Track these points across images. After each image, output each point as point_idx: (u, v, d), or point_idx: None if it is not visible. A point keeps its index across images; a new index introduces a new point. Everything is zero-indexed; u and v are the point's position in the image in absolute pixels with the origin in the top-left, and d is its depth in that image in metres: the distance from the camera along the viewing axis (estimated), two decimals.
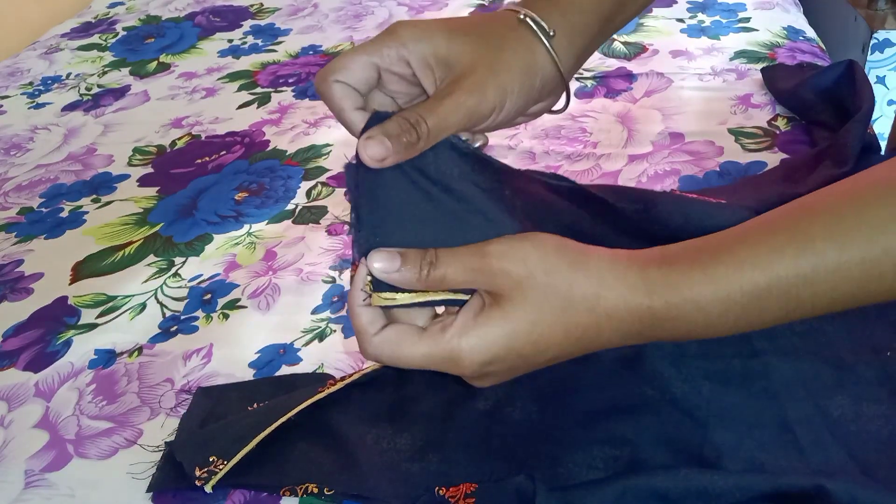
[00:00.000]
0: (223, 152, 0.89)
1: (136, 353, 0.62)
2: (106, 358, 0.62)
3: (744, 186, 0.69)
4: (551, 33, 0.41)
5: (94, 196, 0.84)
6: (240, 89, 1.05)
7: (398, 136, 0.38)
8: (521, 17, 0.41)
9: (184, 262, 0.72)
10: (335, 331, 0.61)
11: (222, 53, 1.17)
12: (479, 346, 0.37)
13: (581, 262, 0.37)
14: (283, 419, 0.49)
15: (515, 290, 0.36)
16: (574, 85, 0.93)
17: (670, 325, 0.36)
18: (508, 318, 0.37)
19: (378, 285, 0.38)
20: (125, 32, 1.30)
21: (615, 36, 1.05)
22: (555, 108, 0.45)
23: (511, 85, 0.40)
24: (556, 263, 0.37)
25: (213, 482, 0.48)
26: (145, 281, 0.70)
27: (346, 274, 0.67)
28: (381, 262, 0.38)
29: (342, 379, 0.52)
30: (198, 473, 0.48)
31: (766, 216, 0.37)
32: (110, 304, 0.68)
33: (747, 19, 1.05)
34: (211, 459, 0.48)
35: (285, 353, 0.60)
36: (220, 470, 0.48)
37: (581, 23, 0.43)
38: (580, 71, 0.96)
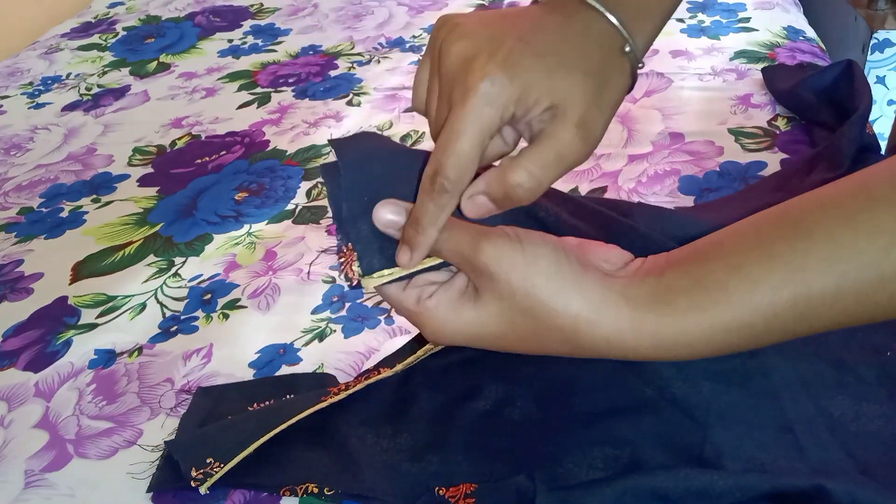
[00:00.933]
0: (223, 152, 0.89)
1: (136, 353, 0.62)
2: (106, 358, 0.62)
3: (735, 200, 0.69)
4: (641, 67, 0.39)
5: (94, 196, 0.84)
6: (240, 89, 1.05)
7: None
8: (628, 49, 0.38)
9: (184, 262, 0.72)
10: (335, 331, 0.61)
11: (222, 53, 1.17)
12: (448, 325, 0.38)
13: (569, 290, 0.36)
14: (283, 427, 0.49)
15: (495, 298, 0.37)
16: None
17: (654, 357, 0.36)
18: (481, 315, 0.37)
19: (369, 267, 0.39)
20: (125, 32, 1.30)
21: None
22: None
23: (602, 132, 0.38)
24: (542, 287, 0.36)
25: (208, 484, 0.48)
26: (145, 281, 0.70)
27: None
28: (390, 214, 0.38)
29: (344, 388, 0.52)
30: (194, 474, 0.48)
31: (762, 230, 0.35)
32: (110, 304, 0.68)
33: (747, 19, 1.05)
34: (208, 461, 0.48)
35: (285, 353, 0.60)
36: (217, 473, 0.48)
37: (649, 43, 0.41)
38: None
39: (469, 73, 0.35)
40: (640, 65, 0.39)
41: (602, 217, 0.46)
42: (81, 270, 0.73)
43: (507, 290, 0.36)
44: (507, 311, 0.37)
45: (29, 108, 1.07)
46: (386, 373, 0.52)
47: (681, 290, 0.35)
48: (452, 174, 0.36)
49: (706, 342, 0.35)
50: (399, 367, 0.51)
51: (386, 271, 0.39)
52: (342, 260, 0.40)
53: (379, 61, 1.08)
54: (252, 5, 1.34)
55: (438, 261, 0.39)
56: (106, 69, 1.16)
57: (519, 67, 0.35)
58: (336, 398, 0.51)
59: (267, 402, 0.54)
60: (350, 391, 0.51)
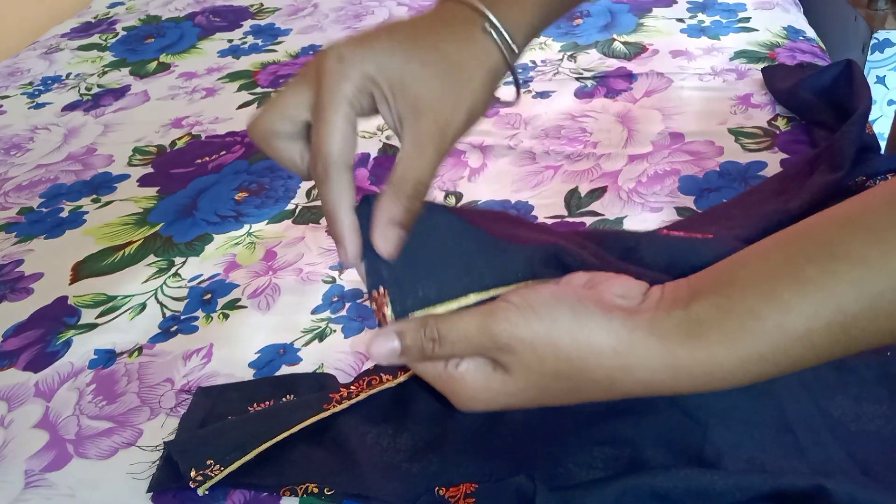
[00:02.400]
0: (223, 152, 0.89)
1: (136, 353, 0.62)
2: (106, 358, 0.62)
3: (736, 207, 0.67)
4: (516, 51, 0.39)
5: (94, 196, 0.84)
6: (240, 89, 1.05)
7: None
8: (487, 27, 0.39)
9: (184, 262, 0.72)
10: (335, 331, 0.61)
11: (222, 53, 1.17)
12: (479, 395, 0.37)
13: (597, 343, 0.35)
14: (284, 435, 0.49)
15: (524, 367, 0.36)
16: (574, 85, 0.93)
17: (692, 391, 0.35)
18: (508, 384, 0.37)
19: (402, 310, 0.38)
20: (125, 32, 1.30)
21: (615, 36, 1.05)
22: (505, 100, 0.44)
23: (478, 113, 0.39)
24: (570, 349, 0.35)
25: (206, 486, 0.48)
26: (145, 281, 0.70)
27: (346, 275, 0.67)
28: (380, 349, 0.37)
29: (346, 395, 0.52)
30: (193, 475, 0.48)
31: (789, 253, 0.34)
32: (110, 304, 0.68)
33: (747, 19, 1.05)
34: (208, 463, 0.48)
35: (285, 353, 0.60)
36: (216, 475, 0.48)
37: (533, 22, 0.42)
38: (580, 71, 0.97)
39: (323, 57, 0.37)
40: (514, 48, 0.39)
41: (612, 264, 0.45)
42: (81, 270, 0.73)
43: (534, 360, 0.35)
44: (539, 379, 0.36)
45: (29, 108, 1.07)
46: (389, 382, 0.52)
47: (711, 322, 0.34)
48: (326, 149, 0.36)
49: (744, 373, 0.34)
50: (402, 377, 0.51)
51: (419, 313, 0.38)
52: (373, 305, 0.39)
53: None
54: (252, 5, 1.34)
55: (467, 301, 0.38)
56: (106, 69, 1.16)
57: (367, 45, 0.37)
58: (339, 407, 0.51)
59: (267, 403, 0.55)
60: (352, 401, 0.51)
